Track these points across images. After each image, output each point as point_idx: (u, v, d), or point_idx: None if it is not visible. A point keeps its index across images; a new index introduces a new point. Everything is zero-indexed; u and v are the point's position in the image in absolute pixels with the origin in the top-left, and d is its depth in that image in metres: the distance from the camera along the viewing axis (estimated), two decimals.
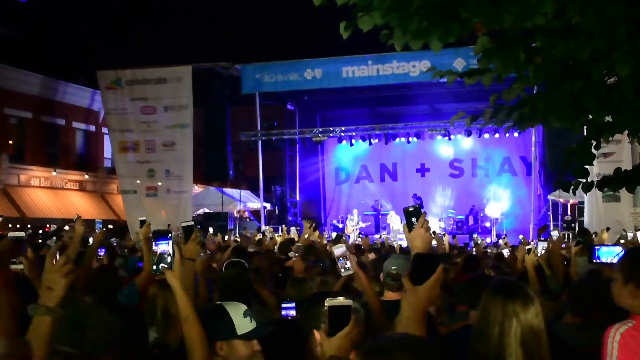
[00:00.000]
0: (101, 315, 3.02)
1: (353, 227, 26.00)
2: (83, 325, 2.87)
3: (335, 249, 4.67)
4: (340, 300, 2.52)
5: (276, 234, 17.57)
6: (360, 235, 22.75)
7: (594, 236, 11.99)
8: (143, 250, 6.03)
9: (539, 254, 7.10)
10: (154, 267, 3.37)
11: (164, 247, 3.38)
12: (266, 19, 49.66)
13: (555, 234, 9.68)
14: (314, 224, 13.13)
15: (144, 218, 5.98)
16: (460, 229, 26.29)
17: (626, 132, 4.46)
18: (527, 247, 6.76)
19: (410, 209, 3.00)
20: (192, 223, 4.06)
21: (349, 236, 24.62)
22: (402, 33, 3.76)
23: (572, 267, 7.32)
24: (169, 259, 3.34)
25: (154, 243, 3.41)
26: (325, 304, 2.52)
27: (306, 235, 11.03)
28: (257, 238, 15.79)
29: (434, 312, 4.73)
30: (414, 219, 2.97)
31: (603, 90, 3.88)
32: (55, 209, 29.18)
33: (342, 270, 4.54)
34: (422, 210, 3.01)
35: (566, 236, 17.63)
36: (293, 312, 4.84)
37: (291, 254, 9.81)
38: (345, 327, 2.47)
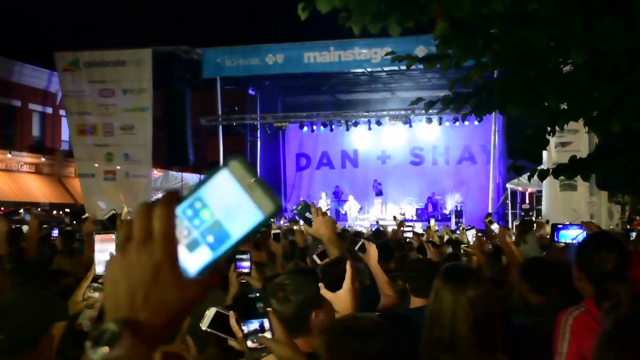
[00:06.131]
0: (33, 299, 2.93)
1: (326, 209, 25.88)
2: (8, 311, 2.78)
3: (316, 258, 4.55)
4: (212, 311, 2.59)
5: None
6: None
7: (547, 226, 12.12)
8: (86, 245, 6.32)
9: (470, 242, 7.18)
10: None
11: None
12: (228, 3, 49.15)
13: (495, 227, 9.54)
14: None
15: (87, 215, 6.29)
16: (420, 216, 26.45)
17: (582, 120, 4.52)
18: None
19: (299, 208, 3.07)
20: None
21: None
22: (360, 15, 3.73)
23: (519, 256, 7.44)
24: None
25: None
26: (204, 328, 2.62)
27: None
28: None
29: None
30: (308, 214, 3.03)
31: (559, 78, 3.91)
32: (10, 192, 28.58)
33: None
34: (310, 202, 3.10)
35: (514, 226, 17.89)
36: (247, 264, 4.65)
37: None
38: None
